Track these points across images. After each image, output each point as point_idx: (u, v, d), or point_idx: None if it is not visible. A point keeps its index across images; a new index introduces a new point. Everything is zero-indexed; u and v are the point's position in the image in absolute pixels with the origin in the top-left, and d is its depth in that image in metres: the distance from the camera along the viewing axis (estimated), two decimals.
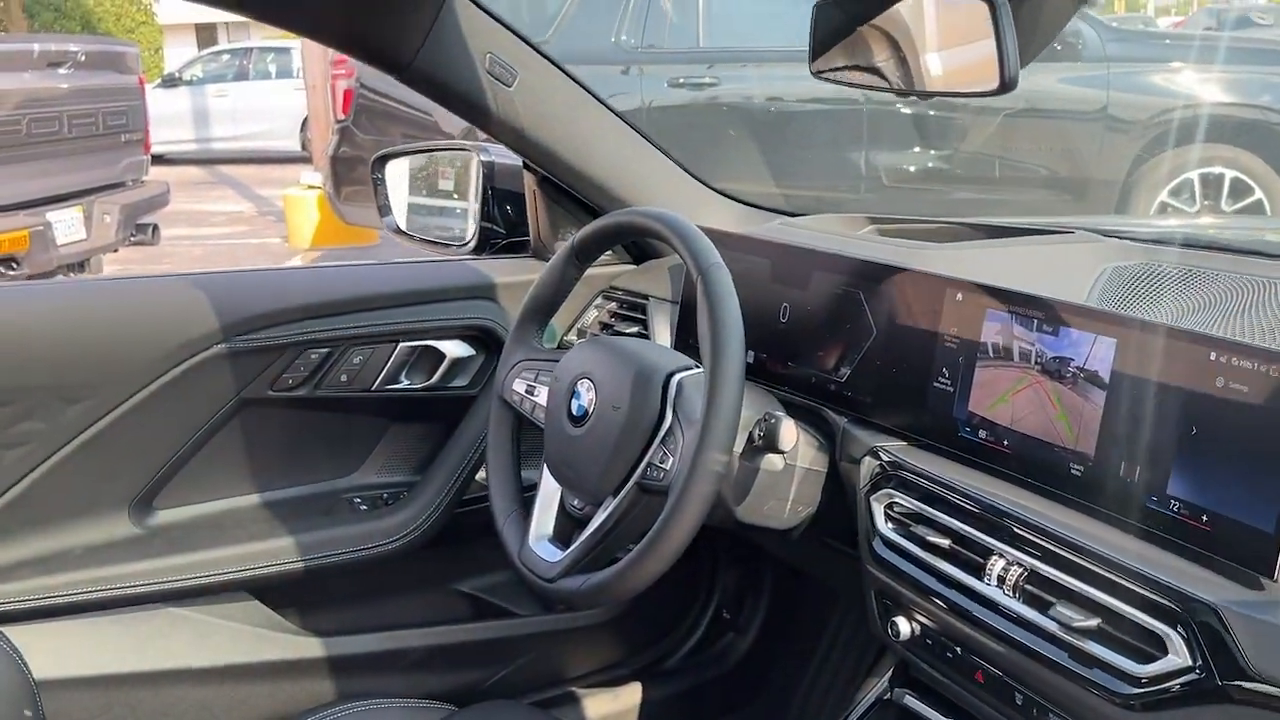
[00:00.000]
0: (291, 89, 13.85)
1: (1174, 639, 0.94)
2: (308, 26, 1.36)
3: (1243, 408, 0.94)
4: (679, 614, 1.97)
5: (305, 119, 12.47)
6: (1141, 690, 0.95)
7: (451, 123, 6.14)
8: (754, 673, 1.95)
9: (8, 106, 5.51)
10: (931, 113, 6.05)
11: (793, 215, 1.71)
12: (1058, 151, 6.22)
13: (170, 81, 15.63)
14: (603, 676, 1.88)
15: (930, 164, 6.23)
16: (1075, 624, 1.01)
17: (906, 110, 5.99)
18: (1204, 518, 0.96)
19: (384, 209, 1.91)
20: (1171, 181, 6.12)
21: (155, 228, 6.56)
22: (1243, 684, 0.89)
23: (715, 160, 5.90)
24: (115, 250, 6.36)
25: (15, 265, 5.49)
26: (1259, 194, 5.99)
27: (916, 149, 6.23)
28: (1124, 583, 0.98)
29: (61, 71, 5.92)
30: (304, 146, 13.67)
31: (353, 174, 7.10)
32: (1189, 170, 6.15)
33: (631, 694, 1.87)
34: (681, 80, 6.39)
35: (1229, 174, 6.09)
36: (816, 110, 6.21)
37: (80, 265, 6.07)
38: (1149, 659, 0.95)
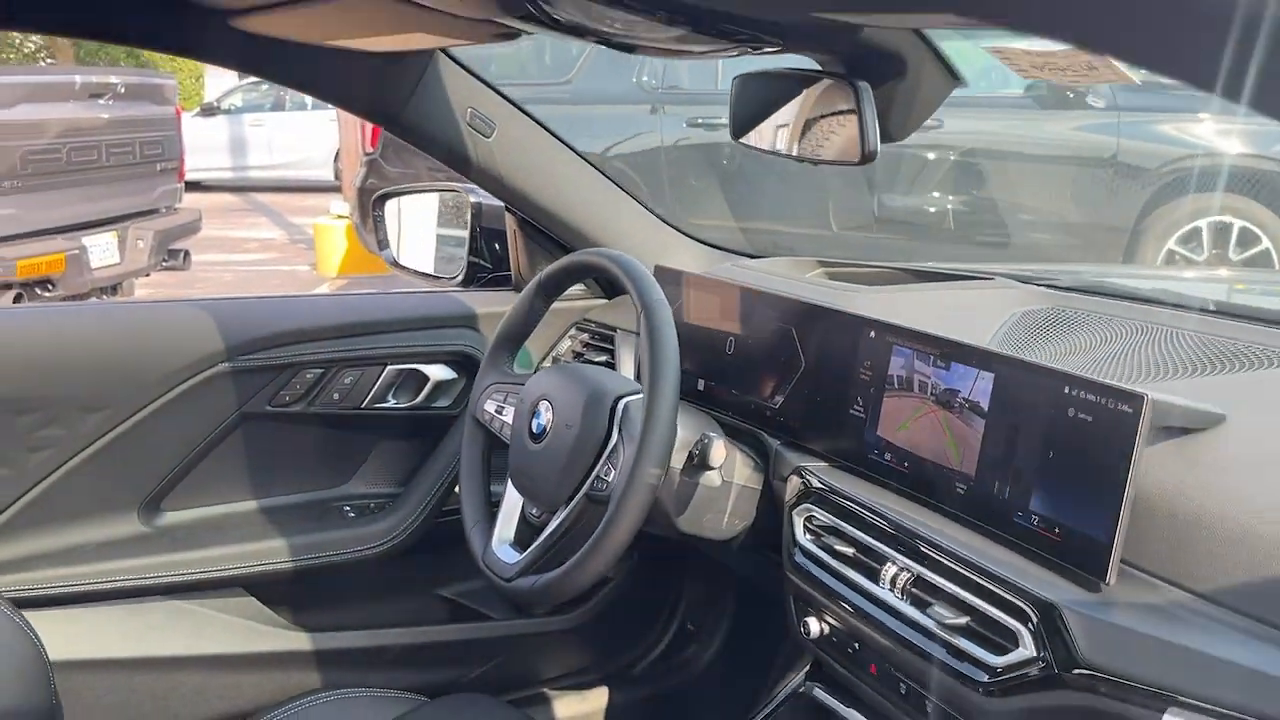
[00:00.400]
0: (326, 120, 14.14)
1: (1024, 634, 1.08)
2: (305, 83, 1.54)
3: (1087, 435, 1.08)
4: (646, 625, 2.11)
5: (338, 150, 12.78)
6: (996, 679, 1.10)
7: None
8: (716, 681, 2.08)
9: (50, 135, 5.76)
10: (952, 158, 6.19)
11: (752, 256, 1.86)
12: (1068, 198, 6.33)
13: (209, 110, 15.99)
14: (572, 680, 2.02)
15: (950, 207, 6.35)
16: (948, 621, 1.15)
17: (931, 155, 6.12)
18: (1056, 530, 1.11)
19: (383, 243, 2.08)
20: (1180, 230, 6.21)
21: (186, 253, 6.80)
22: (1074, 672, 1.03)
23: (723, 197, 6.04)
24: (147, 275, 6.58)
25: (51, 287, 5.72)
26: (1266, 243, 6.08)
27: (935, 194, 6.36)
28: (988, 586, 1.12)
29: (101, 102, 6.17)
30: (336, 176, 13.96)
31: None
32: (1198, 219, 6.24)
33: (599, 697, 2.01)
34: (699, 120, 6.57)
35: (1238, 224, 6.18)
36: (887, 152, 6.31)
37: (113, 289, 6.30)
38: (1004, 651, 1.09)
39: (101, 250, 6.07)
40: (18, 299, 5.48)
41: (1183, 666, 0.98)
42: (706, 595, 2.11)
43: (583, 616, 2.00)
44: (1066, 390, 1.11)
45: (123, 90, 6.31)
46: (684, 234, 1.86)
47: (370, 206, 2.13)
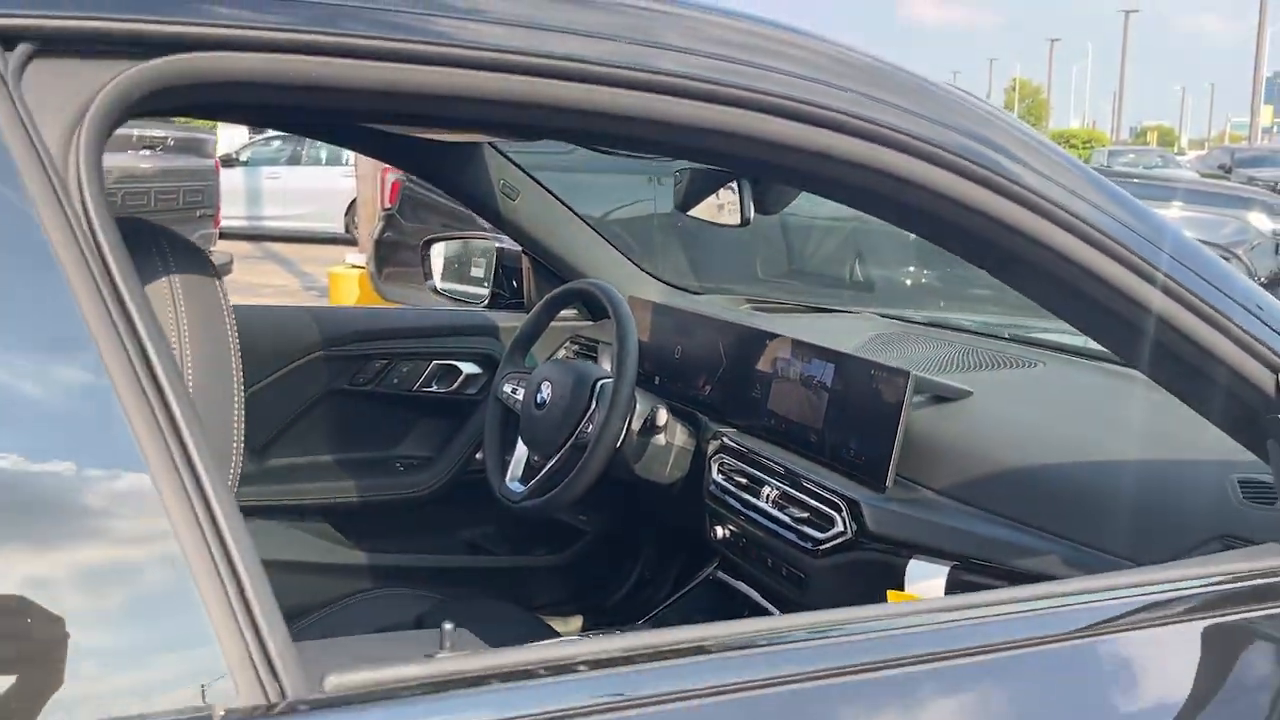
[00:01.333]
0: (339, 175, 14.87)
1: (838, 519, 1.75)
2: (396, 160, 2.24)
3: (880, 398, 1.77)
4: (614, 571, 2.77)
5: (350, 203, 13.53)
6: (819, 546, 1.77)
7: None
8: (666, 617, 2.75)
9: (108, 181, 6.48)
10: (913, 237, 6.89)
11: (697, 293, 2.57)
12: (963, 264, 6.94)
13: (228, 161, 16.76)
14: (556, 608, 2.68)
15: (906, 277, 7.04)
16: (796, 516, 1.83)
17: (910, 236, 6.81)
18: (862, 457, 1.79)
19: (428, 275, 2.78)
20: None
21: None
22: (864, 538, 1.71)
23: (697, 252, 6.72)
24: None
25: None
26: None
27: (912, 267, 7.07)
28: (821, 493, 1.80)
29: (153, 153, 6.92)
30: (347, 229, 14.70)
31: (394, 256, 7.97)
32: None
33: (575, 623, 2.67)
34: None
35: None
36: (801, 223, 7.03)
37: None
38: (826, 530, 1.77)
39: None
40: None
41: (922, 530, 1.65)
42: (660, 555, 2.77)
43: (566, 559, 2.67)
44: (870, 371, 1.80)
45: (171, 143, 7.07)
46: (649, 274, 2.56)
47: (420, 249, 2.83)
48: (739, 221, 1.67)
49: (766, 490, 1.93)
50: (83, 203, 0.74)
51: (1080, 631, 1.03)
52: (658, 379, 2.35)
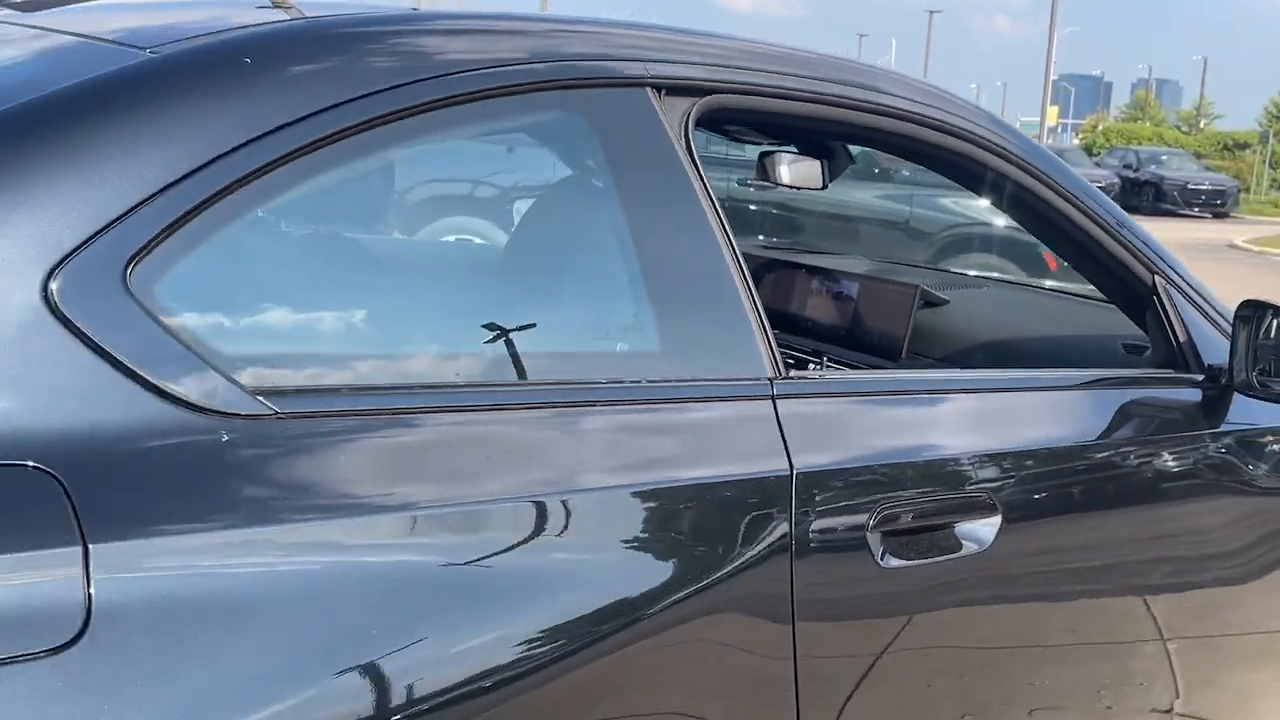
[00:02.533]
0: None
1: None
2: None
3: (895, 301, 2.79)
4: None
5: None
6: None
7: None
8: None
9: None
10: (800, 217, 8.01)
11: None
12: (869, 249, 8.11)
13: None
14: None
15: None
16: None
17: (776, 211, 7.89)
18: (886, 341, 2.82)
19: None
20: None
21: None
22: None
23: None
24: None
25: None
26: None
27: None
28: (854, 364, 2.82)
29: None
30: None
31: None
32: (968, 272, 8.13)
33: None
34: None
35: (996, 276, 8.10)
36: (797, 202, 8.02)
37: None
38: None
39: None
40: None
41: None
42: None
43: None
44: (888, 286, 2.83)
45: None
46: None
47: None
48: (821, 186, 2.67)
49: (813, 367, 2.94)
50: (687, 148, 1.69)
51: (1038, 388, 2.09)
52: None
